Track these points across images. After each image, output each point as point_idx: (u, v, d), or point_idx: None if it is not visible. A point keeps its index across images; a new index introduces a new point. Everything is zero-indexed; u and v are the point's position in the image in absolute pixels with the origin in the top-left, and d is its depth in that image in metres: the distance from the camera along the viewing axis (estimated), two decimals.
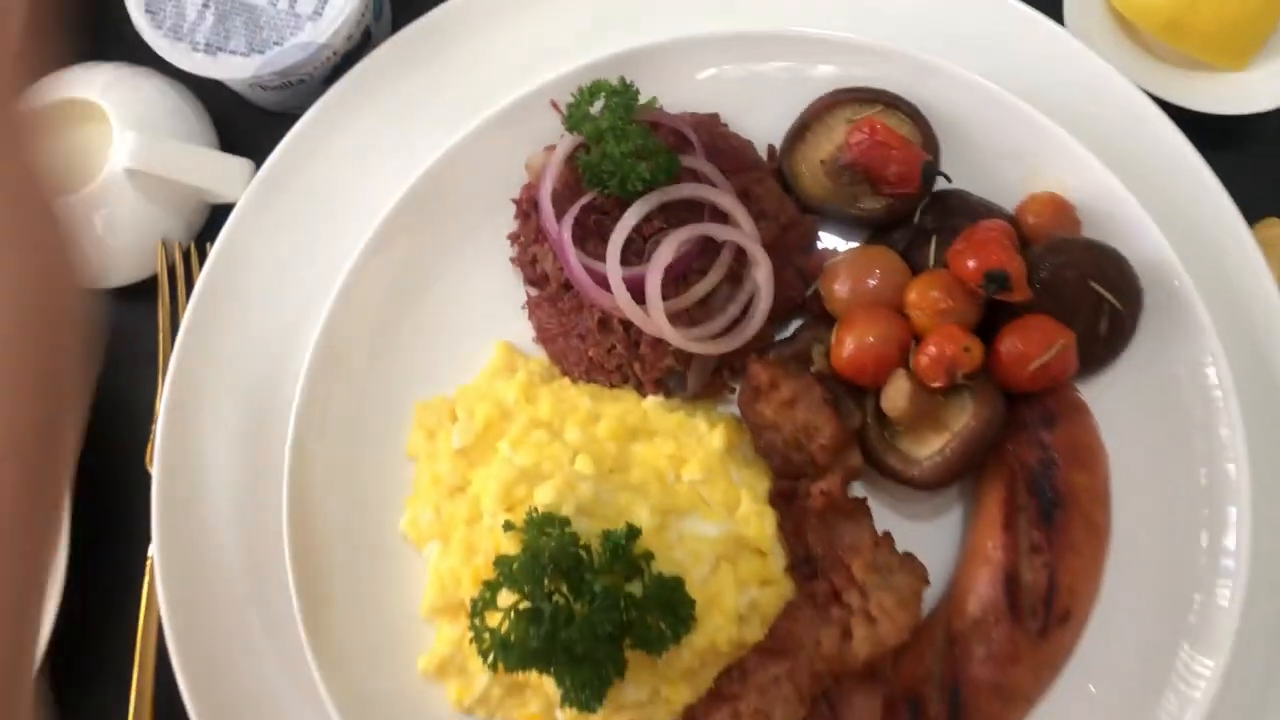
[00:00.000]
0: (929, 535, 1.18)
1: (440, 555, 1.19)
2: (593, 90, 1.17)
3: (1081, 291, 1.13)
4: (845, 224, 1.25)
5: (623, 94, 1.17)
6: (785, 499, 1.15)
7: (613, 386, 1.23)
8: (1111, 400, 1.17)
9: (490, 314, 1.28)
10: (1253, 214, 1.29)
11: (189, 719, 1.18)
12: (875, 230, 1.24)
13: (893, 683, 1.08)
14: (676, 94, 1.27)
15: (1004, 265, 1.10)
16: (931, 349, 1.10)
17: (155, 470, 1.24)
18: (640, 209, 1.16)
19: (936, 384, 1.10)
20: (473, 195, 1.28)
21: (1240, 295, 1.20)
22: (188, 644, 1.21)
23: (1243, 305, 1.20)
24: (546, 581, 1.04)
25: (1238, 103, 1.28)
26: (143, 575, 1.28)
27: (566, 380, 1.24)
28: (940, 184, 1.22)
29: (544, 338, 1.25)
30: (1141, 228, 1.17)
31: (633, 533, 1.05)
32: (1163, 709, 1.09)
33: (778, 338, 1.23)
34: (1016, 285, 1.10)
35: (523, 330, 1.28)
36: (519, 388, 1.21)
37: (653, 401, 1.20)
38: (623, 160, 1.14)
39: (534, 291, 1.26)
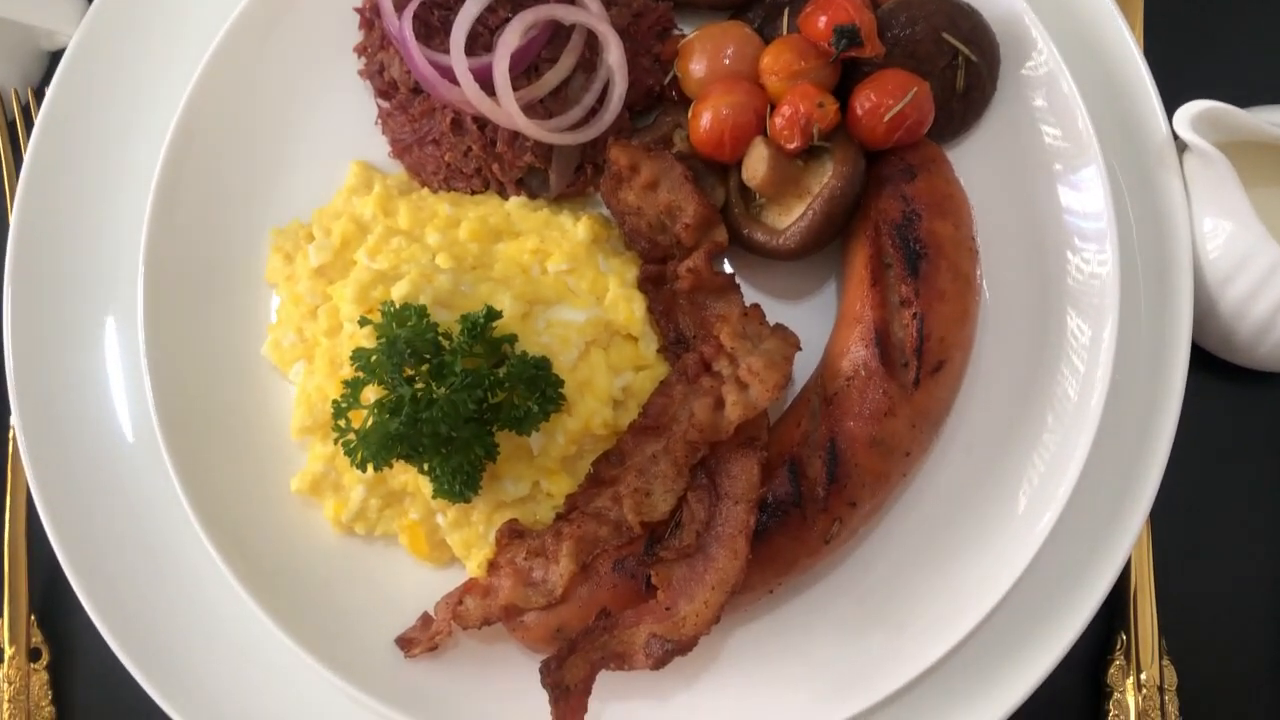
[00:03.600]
0: (807, 311, 1.17)
1: (306, 374, 1.15)
2: None
3: (934, 44, 1.11)
4: (699, 7, 1.21)
5: None
6: (654, 283, 1.13)
7: (474, 193, 1.19)
8: (978, 155, 1.17)
9: (344, 135, 1.23)
10: None
11: (62, 569, 1.15)
12: (733, 12, 1.21)
13: (770, 447, 1.07)
14: None
15: (854, 20, 1.08)
16: (786, 109, 1.08)
17: (7, 330, 1.19)
18: None
19: (794, 145, 1.08)
20: (314, 12, 1.23)
21: (1098, 46, 1.19)
22: (54, 496, 1.17)
23: (1100, 54, 1.19)
24: (408, 370, 1.01)
25: None
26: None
27: (426, 191, 1.20)
28: None
29: (399, 150, 1.21)
30: None
31: (492, 314, 1.02)
32: (1040, 457, 1.10)
33: (640, 127, 1.20)
34: (867, 39, 1.08)
35: (380, 147, 1.23)
36: (376, 201, 1.17)
37: (516, 202, 1.17)
38: None
39: (385, 104, 1.21)
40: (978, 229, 1.14)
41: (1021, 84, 1.16)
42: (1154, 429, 1.12)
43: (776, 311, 1.16)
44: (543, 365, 1.03)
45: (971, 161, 1.16)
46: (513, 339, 1.04)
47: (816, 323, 1.15)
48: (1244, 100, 1.21)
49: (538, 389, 1.02)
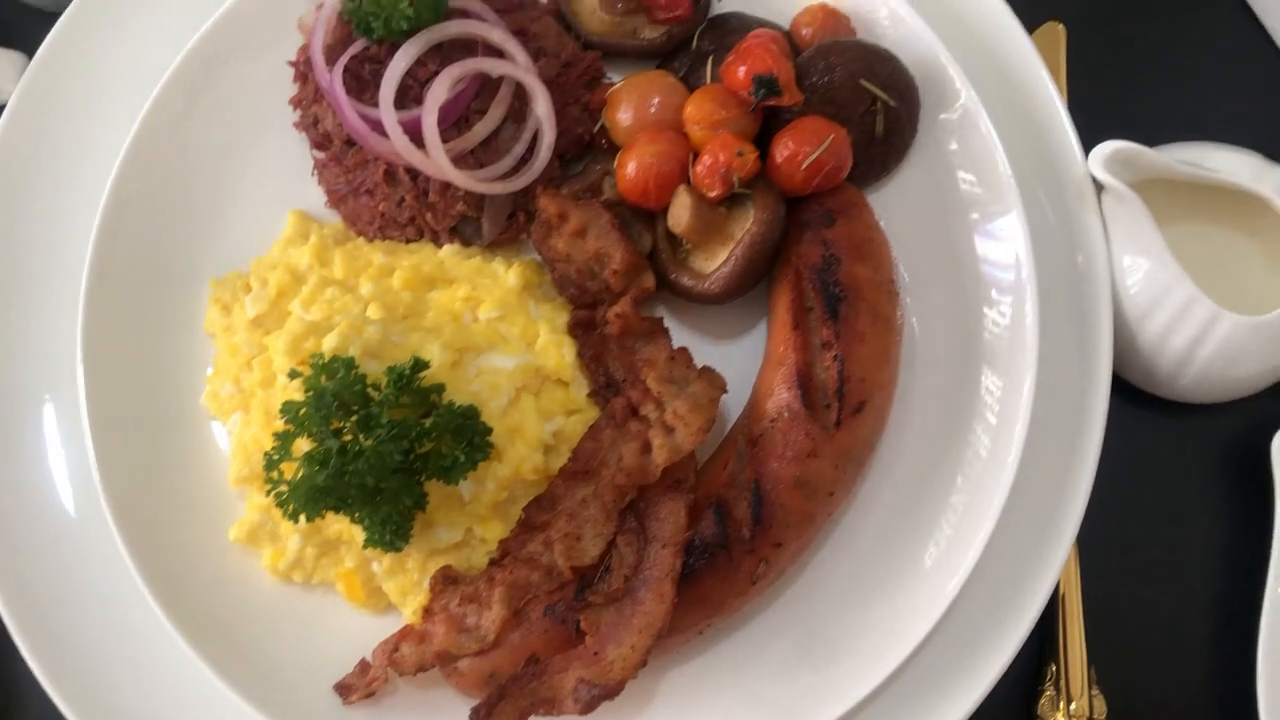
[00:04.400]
0: (739, 350, 1.19)
1: (242, 424, 1.16)
2: None
3: (852, 90, 1.13)
4: (628, 56, 1.23)
5: None
6: (584, 328, 1.15)
7: (409, 241, 1.21)
8: (900, 197, 1.19)
9: (283, 184, 1.25)
10: (1036, 17, 1.31)
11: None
12: (661, 60, 1.23)
13: (698, 490, 1.08)
14: None
15: (771, 69, 1.10)
16: (706, 158, 1.10)
17: None
18: (410, 50, 1.14)
19: (715, 193, 1.10)
20: (250, 65, 1.25)
21: (1017, 88, 1.22)
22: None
23: (1019, 99, 1.22)
24: (336, 422, 1.03)
25: None
26: None
27: (362, 241, 1.22)
28: (718, 8, 1.23)
29: (335, 200, 1.23)
30: (913, 29, 1.18)
31: (419, 365, 1.04)
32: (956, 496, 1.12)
33: (571, 174, 1.22)
34: (786, 88, 1.11)
35: (319, 196, 1.25)
36: (311, 251, 1.18)
37: (449, 250, 1.18)
38: (383, 1, 1.12)
39: (320, 154, 1.23)
40: (902, 270, 1.18)
41: (942, 127, 1.18)
42: (1077, 462, 1.14)
43: (708, 352, 1.18)
44: (470, 414, 1.05)
45: (894, 204, 1.19)
46: (440, 388, 1.06)
47: (748, 362, 1.17)
48: (1165, 137, 1.25)
49: (465, 438, 1.04)
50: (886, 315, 1.10)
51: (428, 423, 1.02)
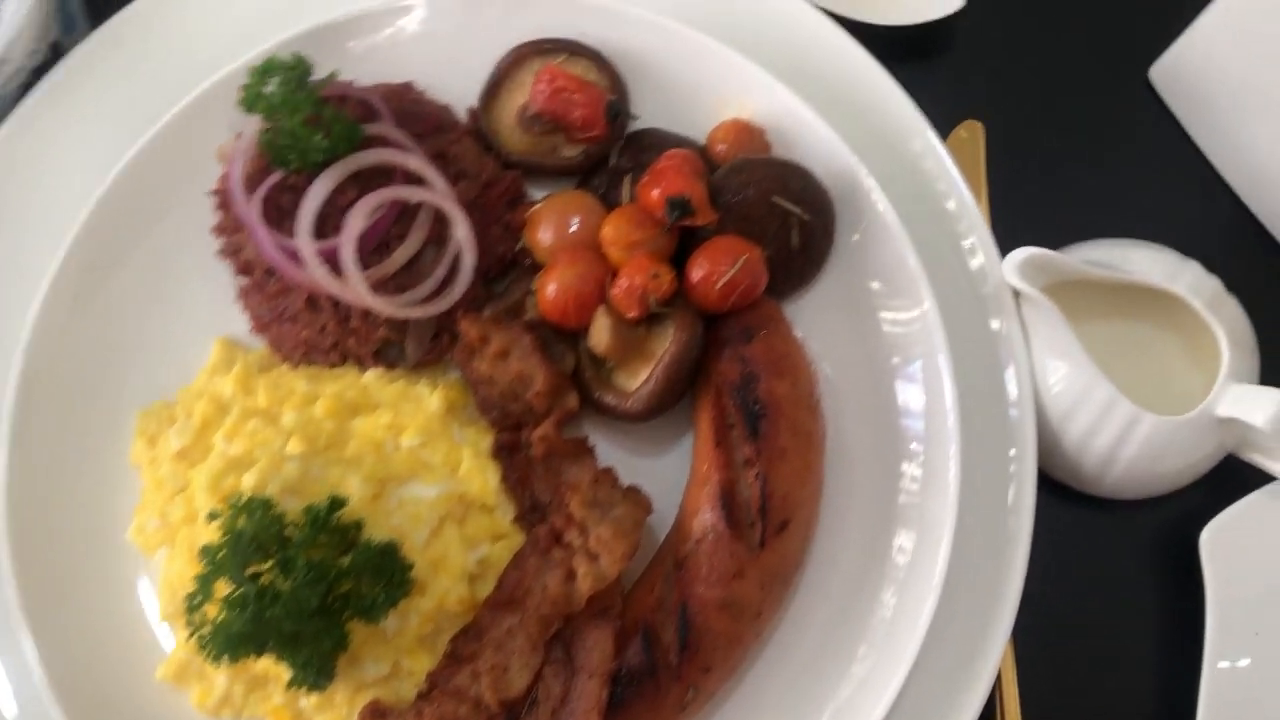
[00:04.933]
0: (671, 465, 1.18)
1: (168, 560, 1.15)
2: (264, 69, 1.15)
3: (766, 207, 1.15)
4: (548, 175, 1.25)
5: (294, 69, 1.15)
6: (508, 451, 1.14)
7: (333, 366, 1.21)
8: (818, 308, 1.20)
9: (211, 311, 1.25)
10: (953, 117, 1.33)
11: None
12: (582, 178, 1.25)
13: (625, 615, 1.08)
14: (373, 65, 1.27)
15: (684, 190, 1.11)
16: (623, 281, 1.11)
17: None
18: (327, 180, 1.15)
19: (632, 314, 1.10)
20: (172, 194, 1.25)
21: (932, 197, 1.24)
22: None
23: (936, 206, 1.23)
24: (255, 565, 1.02)
25: (913, 12, 1.32)
26: None
27: (286, 367, 1.21)
28: (636, 125, 1.24)
29: (259, 326, 1.23)
30: (826, 141, 1.20)
31: (336, 504, 1.04)
32: (883, 603, 1.12)
33: (496, 293, 1.22)
34: (699, 208, 1.12)
35: (245, 322, 1.25)
36: (235, 380, 1.18)
37: (373, 374, 1.18)
38: (298, 133, 1.13)
39: (244, 281, 1.23)
40: (827, 377, 1.18)
41: (858, 237, 1.19)
42: (1006, 566, 1.14)
43: (638, 467, 1.18)
44: (390, 550, 1.04)
45: (813, 315, 1.20)
46: (359, 525, 1.05)
47: (680, 475, 1.16)
48: (1087, 235, 1.27)
49: (385, 575, 1.03)
50: (807, 430, 1.11)
51: (345, 562, 1.02)
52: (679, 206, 1.11)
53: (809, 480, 1.10)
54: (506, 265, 1.22)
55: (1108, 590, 1.24)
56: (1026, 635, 1.19)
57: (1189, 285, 1.17)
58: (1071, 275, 1.16)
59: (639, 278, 1.10)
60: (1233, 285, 1.24)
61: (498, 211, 1.22)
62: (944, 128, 1.31)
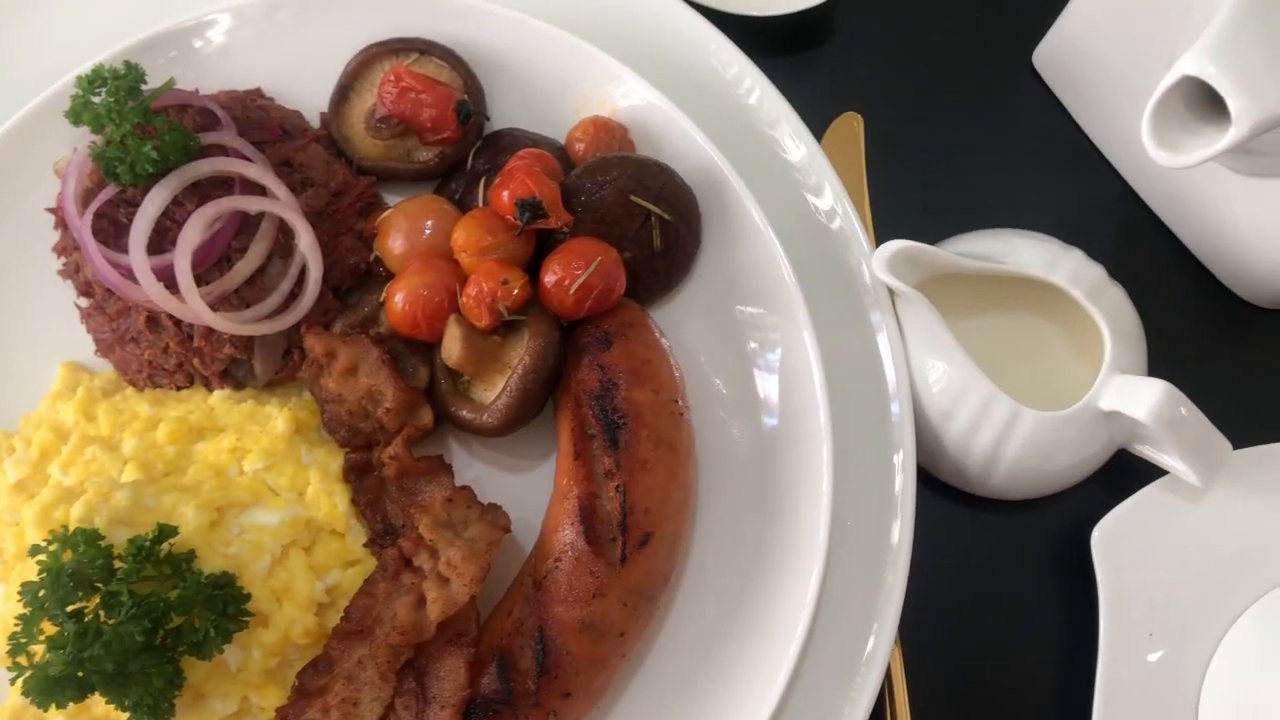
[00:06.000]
0: (534, 482, 1.12)
1: (3, 599, 1.09)
2: (91, 79, 1.10)
3: (624, 207, 1.10)
4: (403, 180, 1.19)
5: (123, 77, 1.09)
6: (359, 472, 1.09)
7: (180, 389, 1.15)
8: (688, 312, 1.15)
9: (56, 334, 1.18)
10: (831, 110, 1.29)
11: None
12: (439, 183, 1.19)
13: (482, 641, 1.02)
14: (222, 72, 1.21)
15: (534, 192, 1.06)
16: (472, 288, 1.05)
17: None
18: (160, 193, 1.09)
19: (483, 323, 1.05)
20: (12, 210, 1.19)
21: (804, 193, 1.19)
22: None
23: (808, 202, 1.19)
24: (80, 600, 0.96)
25: (783, 3, 1.27)
26: None
27: (132, 391, 1.15)
28: (495, 125, 1.19)
29: (103, 349, 1.16)
30: (688, 137, 1.15)
31: (164, 533, 0.97)
32: (760, 614, 1.07)
33: (349, 305, 1.16)
34: (552, 210, 1.07)
35: (91, 345, 1.19)
36: (77, 407, 1.12)
37: (220, 395, 1.12)
38: (127, 143, 1.07)
39: (85, 302, 1.17)
40: (696, 386, 1.13)
41: (726, 237, 1.15)
42: (888, 569, 1.09)
43: (505, 483, 1.13)
44: (223, 582, 0.98)
45: (683, 318, 1.15)
46: (191, 556, 0.99)
47: (548, 491, 1.11)
48: (969, 226, 1.22)
49: (218, 608, 0.97)
50: (671, 439, 1.05)
51: (175, 595, 0.96)
52: (529, 208, 1.05)
53: (674, 491, 1.05)
54: (360, 276, 1.16)
55: (1003, 592, 1.19)
56: (918, 639, 1.15)
57: (1070, 274, 1.12)
58: (946, 269, 1.12)
59: (488, 284, 1.04)
60: (1121, 272, 1.19)
61: (349, 220, 1.16)
62: (822, 121, 1.27)
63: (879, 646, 1.08)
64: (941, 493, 1.19)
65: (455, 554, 1.01)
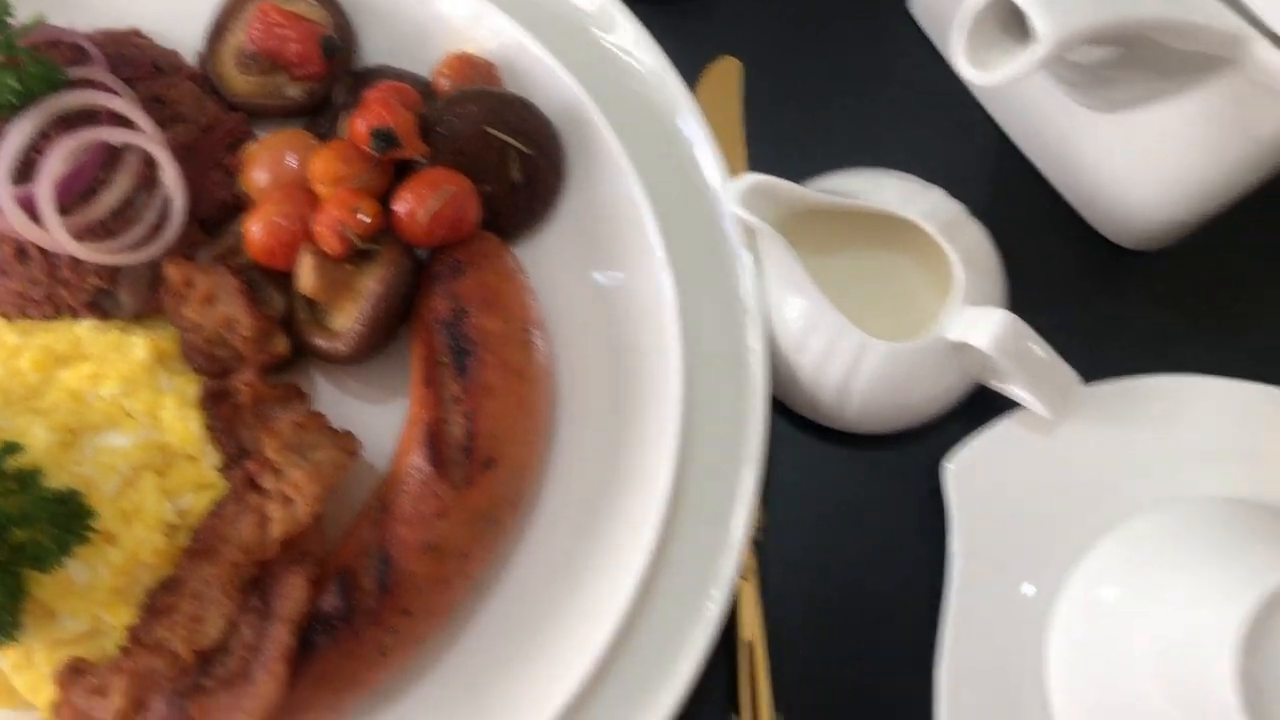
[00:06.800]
0: (393, 414, 1.14)
1: None
2: None
3: (480, 139, 1.11)
4: (275, 117, 1.20)
5: None
6: (215, 399, 1.10)
7: (48, 319, 1.17)
8: (554, 250, 1.17)
9: None
10: (707, 54, 1.30)
11: None
12: (309, 118, 1.21)
13: (331, 562, 1.04)
14: (103, 11, 1.23)
15: (389, 122, 1.08)
16: (323, 217, 1.07)
17: None
18: (24, 125, 1.10)
19: (335, 251, 1.07)
20: None
21: (673, 134, 1.20)
22: None
23: (677, 144, 1.20)
24: None
25: None
26: None
27: (2, 322, 1.17)
28: (365, 62, 1.21)
29: None
30: (551, 73, 1.16)
31: (8, 449, 0.99)
32: (608, 543, 1.08)
33: (216, 237, 1.18)
34: (407, 141, 1.08)
35: None
36: None
37: (86, 326, 1.14)
38: None
39: None
40: (559, 320, 1.15)
41: (590, 174, 1.16)
42: (737, 500, 1.11)
43: (366, 414, 1.14)
44: (68, 498, 1.00)
45: (548, 254, 1.17)
46: (36, 473, 1.01)
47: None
48: (842, 167, 1.24)
49: (62, 524, 0.99)
50: (520, 367, 1.07)
51: (14, 510, 0.97)
52: (383, 138, 1.07)
53: (522, 419, 1.06)
54: (227, 209, 1.18)
55: (863, 527, 1.20)
56: (776, 572, 1.17)
57: (925, 210, 1.13)
58: (802, 204, 1.13)
59: (339, 213, 1.06)
60: (991, 214, 1.21)
61: (218, 155, 1.18)
62: (697, 65, 1.28)
63: (722, 579, 1.09)
64: (803, 428, 1.21)
65: (299, 475, 1.02)
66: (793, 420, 1.21)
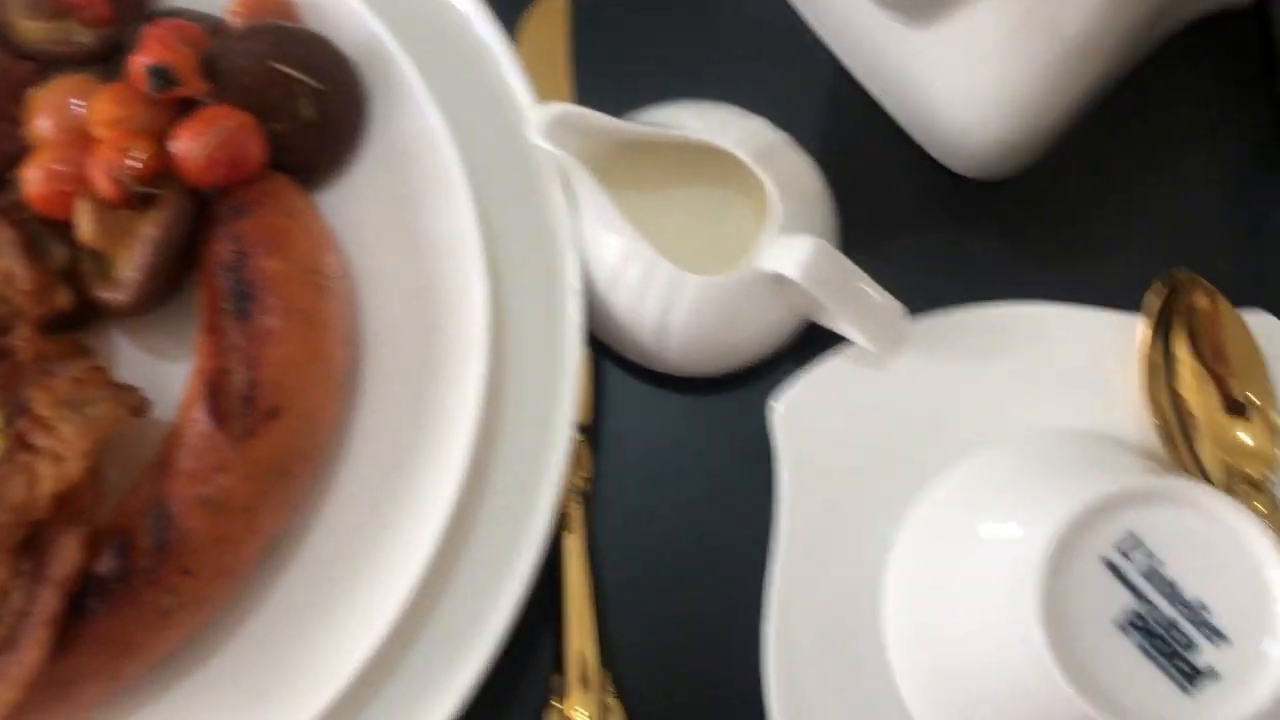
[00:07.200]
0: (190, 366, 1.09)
1: None
2: None
3: (265, 75, 1.06)
4: (67, 63, 1.13)
5: None
6: None
7: None
8: (360, 193, 1.11)
9: None
10: None
11: None
12: (101, 65, 1.15)
13: (107, 520, 0.99)
14: None
15: (167, 59, 1.02)
16: (96, 161, 1.02)
17: None
18: None
19: (111, 196, 1.01)
20: None
21: (485, 71, 1.15)
22: None
23: (489, 80, 1.15)
24: None
25: None
26: None
27: None
28: (157, 5, 1.16)
29: None
30: (353, 12, 1.11)
31: None
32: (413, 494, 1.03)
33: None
34: (186, 79, 1.03)
35: None
36: None
37: None
38: None
39: None
40: (363, 262, 1.10)
41: (395, 116, 1.11)
42: (549, 448, 1.06)
43: (159, 371, 1.09)
44: None
45: (354, 195, 1.11)
46: None
47: None
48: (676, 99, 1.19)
49: None
50: (308, 311, 1.02)
51: None
52: (160, 75, 1.02)
53: (312, 366, 1.01)
54: (13, 160, 1.12)
55: (697, 471, 1.15)
56: (605, 526, 1.12)
57: (739, 138, 1.08)
58: (613, 135, 1.08)
59: (110, 156, 1.00)
60: (828, 147, 1.17)
61: (4, 106, 1.12)
62: (520, 2, 1.24)
63: (536, 530, 1.04)
64: (634, 374, 1.16)
65: (70, 430, 0.97)
66: (623, 366, 1.17)
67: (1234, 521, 0.87)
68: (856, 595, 1.06)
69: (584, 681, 1.08)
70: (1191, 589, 0.87)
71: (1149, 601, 0.86)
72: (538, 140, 1.05)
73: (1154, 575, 0.87)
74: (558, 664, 1.09)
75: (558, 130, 1.05)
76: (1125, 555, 0.87)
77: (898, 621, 1.04)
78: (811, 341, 1.13)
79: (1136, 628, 0.86)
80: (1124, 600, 0.87)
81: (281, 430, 0.99)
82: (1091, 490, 0.87)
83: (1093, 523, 0.87)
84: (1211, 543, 0.87)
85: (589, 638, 1.09)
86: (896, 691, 1.04)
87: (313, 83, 1.07)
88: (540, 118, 1.05)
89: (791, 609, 1.04)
